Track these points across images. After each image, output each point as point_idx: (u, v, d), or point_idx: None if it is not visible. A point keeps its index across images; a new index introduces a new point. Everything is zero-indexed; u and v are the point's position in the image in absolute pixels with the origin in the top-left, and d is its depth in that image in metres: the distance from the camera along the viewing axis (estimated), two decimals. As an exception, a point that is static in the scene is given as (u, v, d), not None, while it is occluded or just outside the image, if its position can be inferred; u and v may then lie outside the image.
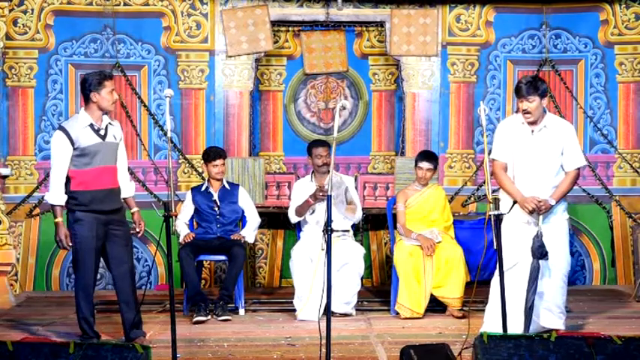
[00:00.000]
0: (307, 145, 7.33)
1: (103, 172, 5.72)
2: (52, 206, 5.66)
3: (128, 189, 5.95)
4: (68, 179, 5.67)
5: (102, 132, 5.71)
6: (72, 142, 5.61)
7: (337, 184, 6.96)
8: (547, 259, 5.57)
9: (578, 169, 5.86)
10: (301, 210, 7.08)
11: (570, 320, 6.21)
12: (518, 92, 5.71)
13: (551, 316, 5.85)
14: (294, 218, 7.19)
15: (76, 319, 5.82)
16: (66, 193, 5.66)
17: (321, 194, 6.85)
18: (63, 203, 5.64)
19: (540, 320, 5.83)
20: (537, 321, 5.81)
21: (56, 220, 5.63)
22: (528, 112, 5.70)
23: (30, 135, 8.13)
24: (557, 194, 5.73)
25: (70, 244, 5.64)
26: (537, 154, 5.75)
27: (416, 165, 7.15)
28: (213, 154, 7.20)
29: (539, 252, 5.53)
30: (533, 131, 5.78)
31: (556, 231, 5.80)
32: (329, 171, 6.91)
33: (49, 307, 7.30)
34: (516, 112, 5.92)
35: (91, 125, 5.67)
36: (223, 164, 7.20)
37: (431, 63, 8.39)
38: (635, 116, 8.43)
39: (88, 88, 5.67)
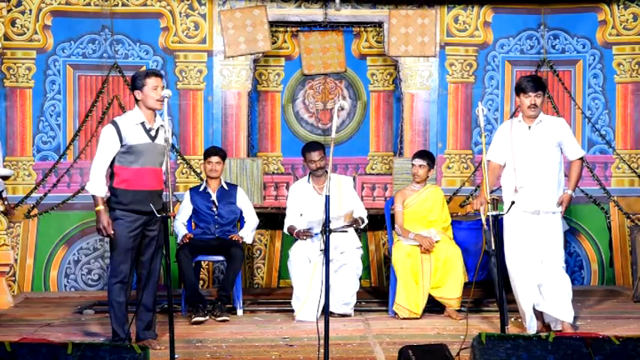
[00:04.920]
0: (301, 148, 7.32)
1: (147, 173, 5.57)
2: (93, 196, 5.47)
3: None
4: (113, 174, 5.55)
5: (153, 132, 5.57)
6: (120, 139, 5.48)
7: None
8: (493, 254, 5.70)
9: (581, 158, 6.15)
10: (291, 232, 7.15)
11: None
12: (526, 88, 5.95)
13: (563, 306, 5.96)
14: (286, 230, 7.23)
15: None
16: (109, 188, 5.53)
17: (304, 236, 6.98)
18: (104, 194, 5.47)
19: (552, 312, 5.98)
20: (549, 314, 6.00)
21: (97, 208, 5.44)
22: (536, 106, 5.97)
23: (28, 136, 8.12)
24: (572, 184, 6.05)
25: (113, 232, 5.46)
26: (535, 146, 5.99)
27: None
28: (210, 151, 7.19)
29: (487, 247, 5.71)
30: (530, 127, 6.03)
31: (550, 224, 5.97)
32: (326, 172, 6.97)
33: (47, 308, 7.29)
34: (514, 113, 6.05)
35: (143, 124, 5.53)
36: (219, 163, 7.16)
37: (429, 63, 8.39)
38: (633, 117, 8.43)
39: (132, 87, 5.59)
